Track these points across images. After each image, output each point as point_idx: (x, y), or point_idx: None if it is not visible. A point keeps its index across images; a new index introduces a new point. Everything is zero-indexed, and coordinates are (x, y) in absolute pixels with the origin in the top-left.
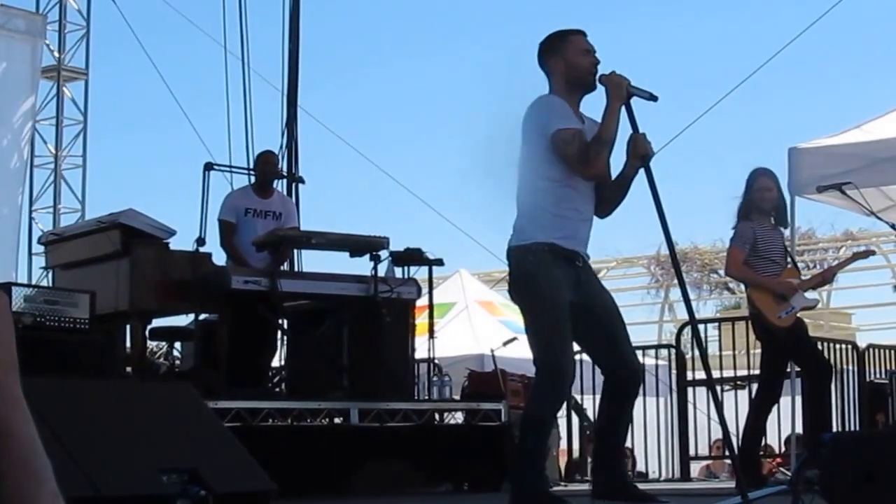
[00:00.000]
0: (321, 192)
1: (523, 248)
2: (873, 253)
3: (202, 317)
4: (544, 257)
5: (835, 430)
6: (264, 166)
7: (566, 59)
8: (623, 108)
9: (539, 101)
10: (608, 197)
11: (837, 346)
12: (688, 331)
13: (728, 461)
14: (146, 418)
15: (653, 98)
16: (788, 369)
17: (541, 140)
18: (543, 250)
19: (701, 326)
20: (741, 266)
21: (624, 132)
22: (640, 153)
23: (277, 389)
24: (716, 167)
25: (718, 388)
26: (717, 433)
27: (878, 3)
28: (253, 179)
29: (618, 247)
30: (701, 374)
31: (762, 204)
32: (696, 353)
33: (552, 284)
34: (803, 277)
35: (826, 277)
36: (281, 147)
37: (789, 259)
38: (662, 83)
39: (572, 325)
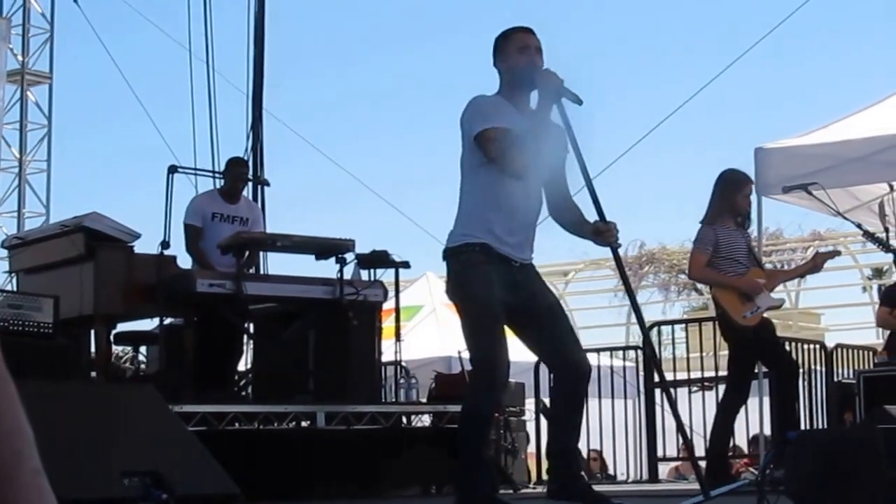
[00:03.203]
0: (287, 194)
1: (456, 248)
2: (839, 253)
3: (167, 321)
4: (476, 257)
5: (802, 429)
6: (232, 174)
7: (506, 58)
8: (556, 108)
9: (468, 104)
10: (566, 221)
11: (806, 346)
12: (654, 331)
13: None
14: (109, 422)
15: (578, 102)
16: (756, 369)
17: (469, 143)
18: (475, 251)
19: (668, 328)
20: (703, 268)
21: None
22: (602, 242)
23: (243, 393)
24: (683, 167)
25: (686, 390)
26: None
27: (845, 4)
28: (219, 183)
29: (585, 249)
30: (670, 375)
31: (743, 209)
32: (664, 354)
33: (483, 284)
34: (794, 266)
35: (817, 263)
36: (246, 150)
37: (755, 260)
38: (629, 83)
39: (516, 327)
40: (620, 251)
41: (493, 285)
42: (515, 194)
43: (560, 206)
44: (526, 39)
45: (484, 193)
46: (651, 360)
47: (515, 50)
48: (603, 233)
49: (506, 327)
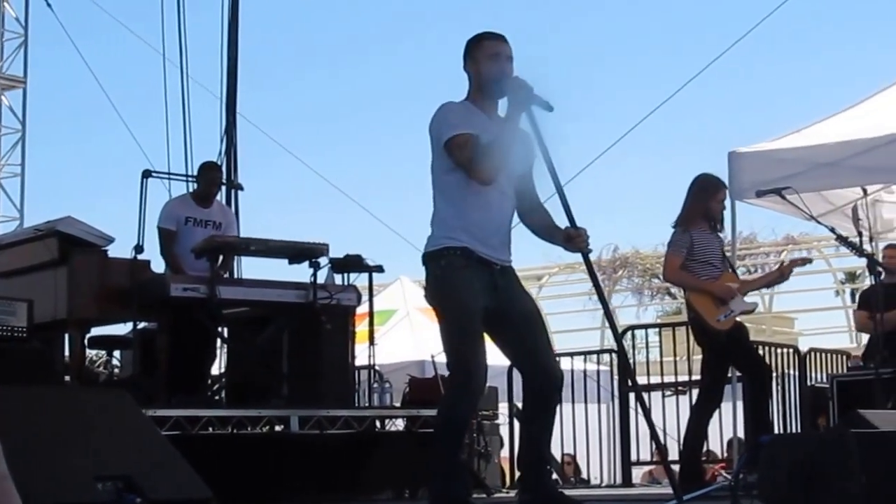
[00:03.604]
0: (261, 198)
1: (435, 253)
2: (810, 261)
3: (141, 325)
4: (456, 262)
5: (776, 433)
6: (206, 179)
7: (477, 64)
8: (525, 116)
9: (437, 110)
10: (537, 226)
11: (779, 350)
12: (628, 336)
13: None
14: (82, 426)
15: (549, 108)
16: (729, 374)
17: (438, 149)
18: (455, 255)
19: (642, 332)
20: (678, 270)
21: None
22: (573, 249)
23: (217, 397)
24: (657, 172)
25: (659, 394)
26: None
27: (818, 8)
28: (192, 187)
29: (559, 253)
30: (644, 380)
31: (717, 214)
32: (638, 358)
33: (463, 288)
34: (759, 275)
35: (784, 273)
36: (220, 153)
37: (728, 264)
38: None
39: (492, 331)
40: (594, 255)
41: (474, 290)
42: (491, 197)
43: (530, 211)
44: (497, 47)
45: (460, 197)
46: (625, 369)
47: (486, 57)
48: (574, 239)
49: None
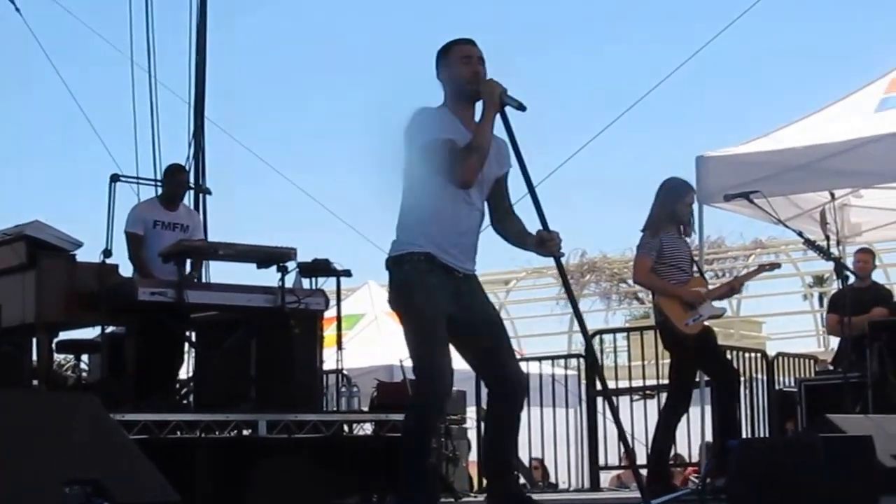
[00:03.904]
0: (229, 203)
1: (398, 258)
2: (779, 265)
3: (109, 329)
4: (419, 266)
5: (744, 437)
6: (173, 181)
7: (449, 70)
8: (499, 117)
9: (413, 115)
10: (509, 232)
11: (747, 354)
12: (597, 340)
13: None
14: (49, 430)
15: (521, 108)
16: (698, 378)
17: (414, 153)
18: (419, 260)
19: (610, 336)
20: (648, 273)
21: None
22: (546, 253)
23: (185, 401)
24: (625, 176)
25: (628, 398)
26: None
27: (785, 13)
28: (159, 191)
29: (527, 257)
30: (612, 384)
31: (684, 218)
32: (606, 362)
33: (427, 293)
34: (711, 286)
35: (734, 287)
36: (188, 158)
37: (696, 268)
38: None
39: (455, 337)
40: (562, 259)
41: (437, 295)
42: (459, 205)
43: (503, 218)
44: (468, 50)
45: (427, 203)
46: (593, 368)
47: (458, 61)
48: (546, 242)
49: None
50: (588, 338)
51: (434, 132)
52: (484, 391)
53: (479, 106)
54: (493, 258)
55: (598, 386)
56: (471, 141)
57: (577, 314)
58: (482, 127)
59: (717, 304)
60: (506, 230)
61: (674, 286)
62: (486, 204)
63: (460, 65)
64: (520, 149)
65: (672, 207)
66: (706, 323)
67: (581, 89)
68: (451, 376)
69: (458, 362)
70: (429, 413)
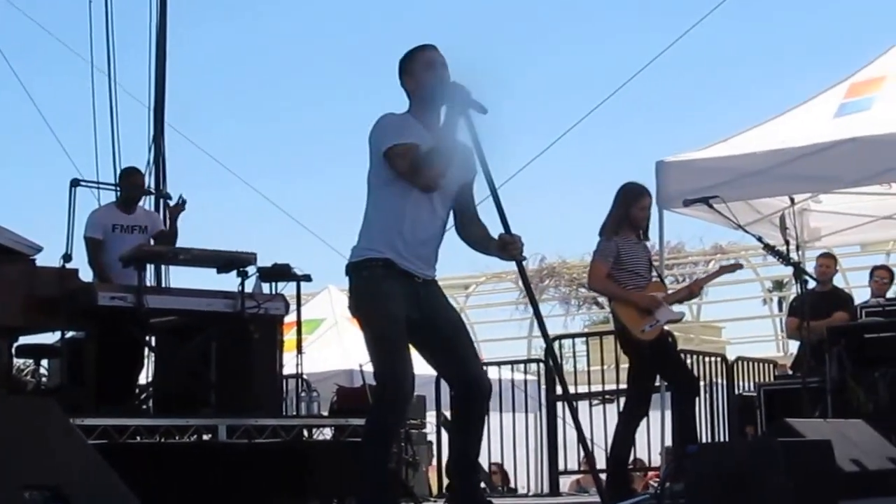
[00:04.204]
0: (189, 208)
1: (358, 263)
2: (741, 266)
3: (69, 334)
4: (378, 272)
5: (703, 442)
6: (128, 184)
7: (414, 76)
8: (463, 120)
9: (377, 120)
10: (472, 238)
11: (707, 359)
12: (556, 345)
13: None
14: (8, 435)
15: (483, 111)
16: (658, 382)
17: (377, 159)
18: (378, 265)
19: (569, 341)
20: (603, 279)
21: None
22: (507, 256)
23: (145, 406)
24: (584, 181)
25: (587, 403)
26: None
27: (743, 19)
28: (117, 195)
29: (487, 261)
30: (571, 389)
31: (641, 222)
32: (565, 367)
33: (386, 298)
34: (671, 291)
35: (693, 290)
36: (148, 163)
37: (654, 273)
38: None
39: (417, 342)
40: (523, 264)
41: (396, 300)
42: (421, 211)
43: (467, 224)
44: (431, 56)
45: (389, 209)
46: (554, 372)
47: (421, 67)
48: (508, 245)
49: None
50: (549, 341)
51: (398, 137)
52: (444, 396)
53: (444, 111)
54: (453, 263)
55: (559, 390)
56: (434, 145)
57: (539, 317)
58: (446, 131)
59: (676, 308)
60: (470, 236)
61: (628, 292)
62: (450, 211)
63: (424, 71)
64: (483, 152)
65: (628, 211)
66: (667, 327)
67: (541, 93)
68: (412, 382)
69: (418, 368)
70: (389, 419)
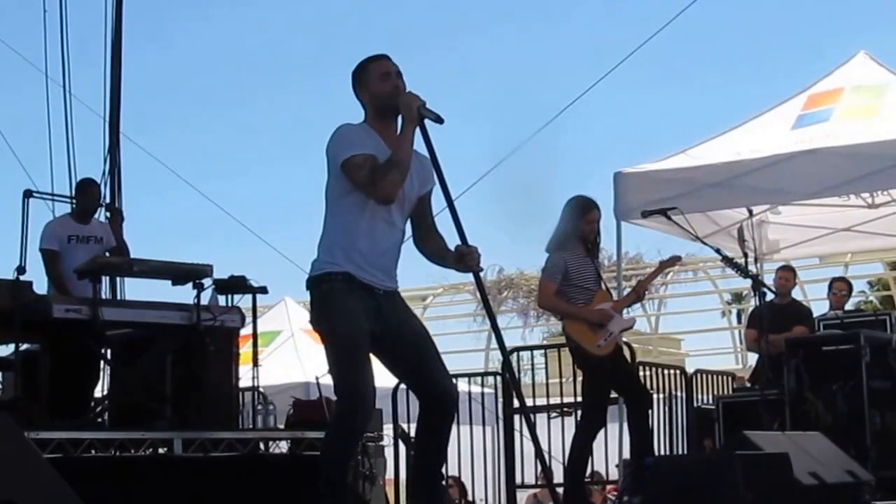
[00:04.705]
0: (146, 220)
1: (318, 277)
2: (679, 258)
3: (23, 346)
4: (337, 286)
5: (661, 455)
6: (84, 196)
7: (369, 87)
8: (419, 131)
9: (334, 132)
10: (429, 250)
11: (666, 371)
12: (514, 357)
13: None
14: None
15: (439, 120)
16: (614, 394)
17: (335, 170)
18: (338, 279)
19: (527, 353)
20: (552, 297)
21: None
22: (464, 268)
23: (100, 420)
24: (540, 191)
25: (545, 416)
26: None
27: (703, 30)
28: (72, 206)
29: (444, 273)
30: (530, 401)
31: (589, 236)
32: (524, 379)
33: (346, 312)
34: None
35: (639, 293)
36: (103, 174)
37: (602, 284)
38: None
39: (381, 354)
40: (480, 275)
41: (356, 314)
42: (378, 222)
43: (425, 236)
44: (385, 66)
45: (347, 221)
46: (511, 385)
47: (376, 78)
48: (465, 256)
49: (372, 355)
50: (506, 353)
51: (354, 148)
52: (401, 408)
53: (400, 121)
54: (410, 274)
55: (516, 403)
56: (391, 156)
57: (496, 330)
58: (401, 141)
59: (625, 315)
60: (427, 248)
61: (579, 308)
62: (407, 221)
63: (379, 81)
64: (439, 162)
65: (576, 225)
66: (625, 339)
67: (500, 102)
68: (372, 397)
69: (376, 380)
70: (349, 433)
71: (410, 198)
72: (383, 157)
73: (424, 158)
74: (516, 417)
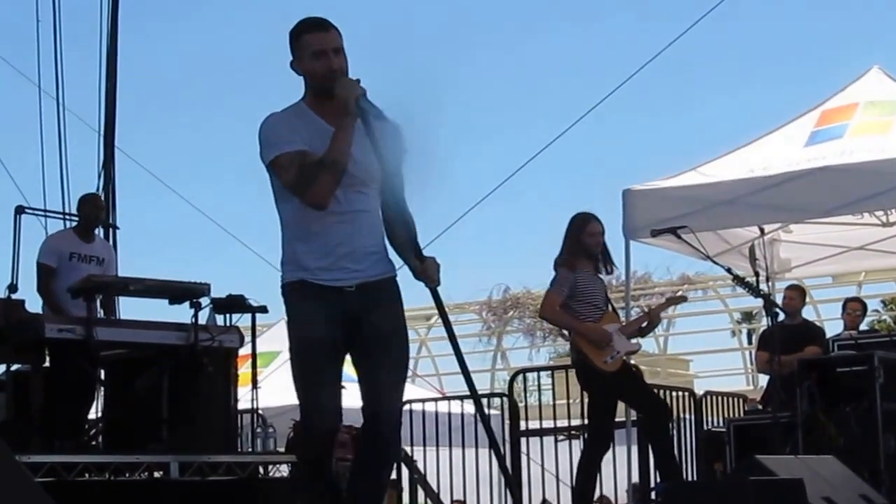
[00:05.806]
0: (141, 236)
1: (282, 287)
2: (685, 299)
3: (15, 367)
4: (293, 296)
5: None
6: (91, 210)
7: (302, 63)
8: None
9: (260, 125)
10: (394, 238)
11: (674, 393)
12: (520, 379)
13: None
14: None
15: (381, 118)
16: (624, 416)
17: (267, 171)
18: (294, 288)
19: (534, 374)
20: (555, 309)
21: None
22: (426, 280)
23: (94, 443)
24: (549, 211)
25: (552, 438)
26: (551, 484)
27: (711, 47)
28: (69, 224)
29: (448, 292)
30: (536, 424)
31: (593, 249)
32: (530, 401)
33: (302, 324)
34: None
35: (652, 319)
36: (98, 189)
37: (610, 306)
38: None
39: (353, 361)
40: (485, 295)
41: (313, 324)
42: (327, 216)
43: (390, 221)
44: (319, 41)
45: (294, 224)
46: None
47: (309, 56)
48: (426, 269)
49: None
50: (471, 383)
51: (280, 146)
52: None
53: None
54: (415, 293)
55: (535, 424)
56: (323, 156)
57: (458, 352)
58: (337, 138)
59: (633, 340)
60: (391, 234)
61: (580, 323)
62: (377, 199)
63: (312, 60)
64: (389, 164)
65: (577, 238)
66: (632, 360)
67: (505, 121)
68: (333, 413)
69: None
70: (308, 450)
71: (372, 173)
72: (322, 144)
73: (395, 127)
74: (522, 440)
